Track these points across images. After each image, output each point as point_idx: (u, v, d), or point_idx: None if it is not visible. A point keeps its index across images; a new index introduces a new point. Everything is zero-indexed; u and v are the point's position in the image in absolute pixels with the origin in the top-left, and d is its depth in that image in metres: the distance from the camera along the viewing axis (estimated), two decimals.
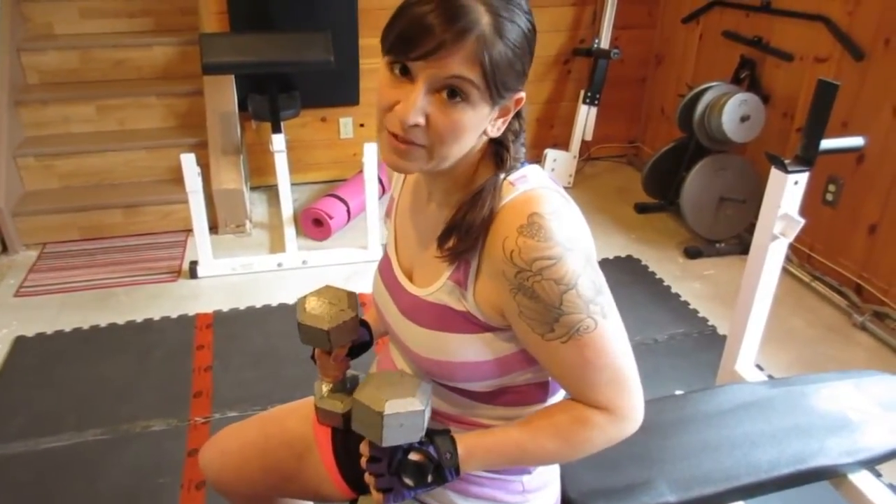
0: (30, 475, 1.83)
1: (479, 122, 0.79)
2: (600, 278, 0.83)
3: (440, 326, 0.88)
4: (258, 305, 2.63)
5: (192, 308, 2.60)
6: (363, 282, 2.79)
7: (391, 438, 0.84)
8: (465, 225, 0.83)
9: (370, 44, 3.45)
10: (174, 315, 2.55)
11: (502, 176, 0.85)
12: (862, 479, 1.32)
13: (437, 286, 0.89)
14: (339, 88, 3.50)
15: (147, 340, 2.40)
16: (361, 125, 3.65)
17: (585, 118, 3.62)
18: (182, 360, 2.30)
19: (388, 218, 1.07)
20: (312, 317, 1.03)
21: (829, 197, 2.73)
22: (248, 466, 1.20)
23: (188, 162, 2.55)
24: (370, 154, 2.76)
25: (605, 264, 2.95)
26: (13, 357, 2.30)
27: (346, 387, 1.15)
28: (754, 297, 1.53)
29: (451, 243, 0.85)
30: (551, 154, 3.65)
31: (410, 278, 0.95)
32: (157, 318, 2.53)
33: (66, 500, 1.76)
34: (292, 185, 3.63)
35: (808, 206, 2.82)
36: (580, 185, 3.74)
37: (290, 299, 2.67)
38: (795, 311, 2.64)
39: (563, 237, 0.78)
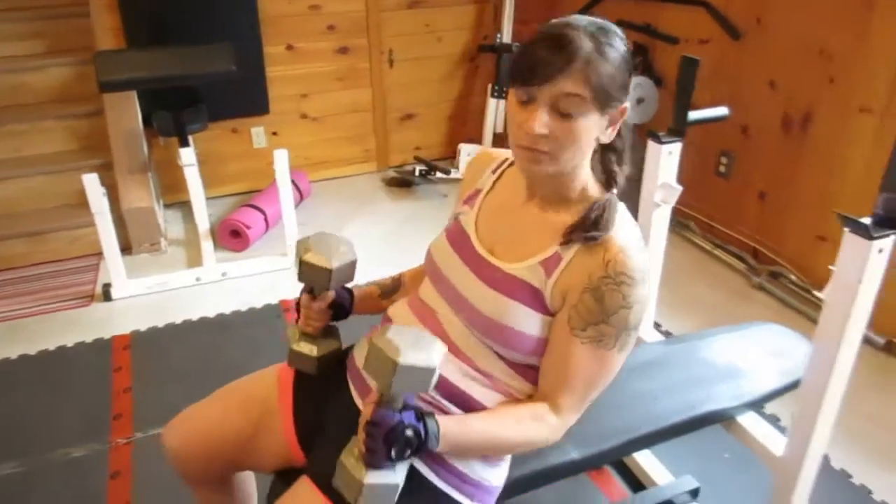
0: None
1: (592, 130, 0.96)
2: (641, 320, 1.01)
3: (511, 294, 1.02)
4: (178, 322, 2.58)
5: (109, 331, 2.53)
6: (284, 288, 2.79)
7: (400, 387, 0.89)
8: (592, 229, 0.99)
9: (275, 52, 3.44)
10: (89, 340, 2.48)
11: (615, 198, 1.03)
12: (748, 420, 1.43)
13: (523, 265, 1.04)
14: (248, 99, 3.47)
15: (62, 368, 2.33)
16: (274, 133, 3.64)
17: (495, 111, 3.72)
18: (100, 384, 2.24)
19: (466, 203, 1.18)
20: (317, 255, 1.07)
21: (723, 169, 2.91)
22: (209, 438, 1.22)
23: (91, 182, 2.49)
24: (281, 161, 2.75)
25: None
26: None
27: (322, 335, 1.18)
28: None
29: (573, 236, 1.00)
30: (465, 148, 3.73)
31: (492, 253, 1.08)
32: (70, 344, 2.45)
33: None
34: (208, 199, 3.57)
35: (704, 179, 3.01)
36: None
37: (211, 313, 2.63)
38: (699, 279, 2.80)
39: (645, 269, 0.99)
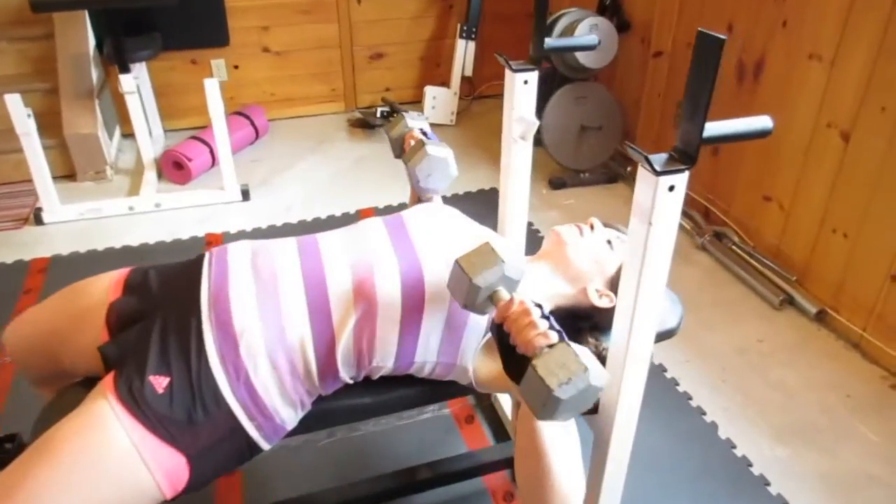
0: None
1: (596, 254, 1.25)
2: None
3: None
4: (101, 249, 2.58)
5: (31, 254, 2.54)
6: (216, 223, 2.75)
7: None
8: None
9: None
10: (10, 261, 2.49)
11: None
12: None
13: None
14: (206, 29, 3.39)
15: None
16: (236, 67, 3.55)
17: (464, 53, 3.56)
18: (5, 304, 2.25)
19: None
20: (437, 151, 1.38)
21: None
22: (35, 337, 1.20)
23: (14, 103, 2.46)
24: (211, 90, 2.68)
25: (466, 197, 2.94)
26: None
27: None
28: (507, 203, 1.52)
29: None
30: (430, 91, 3.59)
31: None
32: None
33: None
34: (168, 131, 3.56)
35: (665, 133, 2.83)
36: (464, 122, 3.70)
37: (137, 242, 2.62)
38: None
39: None
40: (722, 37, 0.86)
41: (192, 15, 3.29)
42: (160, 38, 3.22)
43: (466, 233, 1.25)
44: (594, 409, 1.26)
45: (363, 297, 1.08)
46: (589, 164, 3.03)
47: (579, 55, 2.74)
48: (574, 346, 0.92)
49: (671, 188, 0.96)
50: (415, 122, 1.52)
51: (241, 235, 2.66)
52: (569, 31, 2.76)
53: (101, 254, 2.55)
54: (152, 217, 2.81)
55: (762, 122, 0.98)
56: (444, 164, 1.40)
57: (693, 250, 2.56)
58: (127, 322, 1.10)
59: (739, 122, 0.98)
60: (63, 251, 2.56)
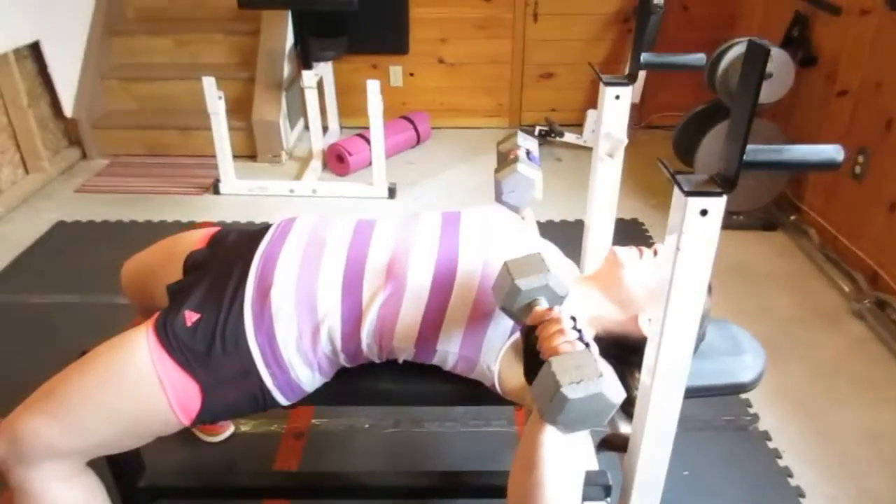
0: (8, 321, 2.22)
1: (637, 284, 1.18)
2: None
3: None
4: (257, 221, 2.88)
5: (202, 218, 2.91)
6: (359, 215, 2.92)
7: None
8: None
9: None
10: (185, 220, 2.88)
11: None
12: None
13: None
14: (389, 37, 3.64)
15: (150, 237, 2.72)
16: (411, 74, 3.77)
17: None
18: None
19: None
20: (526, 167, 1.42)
21: (858, 170, 2.41)
22: (138, 274, 1.40)
23: (209, 85, 2.84)
24: (372, 92, 2.87)
25: None
26: (47, 236, 2.74)
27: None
28: (591, 226, 1.46)
29: None
30: (593, 115, 3.52)
31: None
32: (170, 220, 2.88)
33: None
34: (343, 127, 3.87)
35: (839, 180, 2.52)
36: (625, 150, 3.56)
37: None
38: (791, 291, 2.38)
39: None
40: (768, 46, 0.77)
41: (380, 23, 3.56)
42: (346, 42, 3.52)
43: (519, 240, 1.23)
44: (623, 447, 1.17)
45: (394, 275, 1.13)
46: (745, 206, 2.78)
47: None
48: (599, 358, 0.88)
49: (703, 212, 0.87)
50: (524, 142, 1.54)
51: None
52: (738, 61, 2.57)
53: (255, 226, 2.84)
54: (307, 201, 3.08)
55: (827, 151, 0.86)
56: (530, 184, 1.41)
57: (846, 315, 2.24)
58: (196, 269, 1.24)
59: (796, 150, 0.87)
60: (227, 219, 2.90)
